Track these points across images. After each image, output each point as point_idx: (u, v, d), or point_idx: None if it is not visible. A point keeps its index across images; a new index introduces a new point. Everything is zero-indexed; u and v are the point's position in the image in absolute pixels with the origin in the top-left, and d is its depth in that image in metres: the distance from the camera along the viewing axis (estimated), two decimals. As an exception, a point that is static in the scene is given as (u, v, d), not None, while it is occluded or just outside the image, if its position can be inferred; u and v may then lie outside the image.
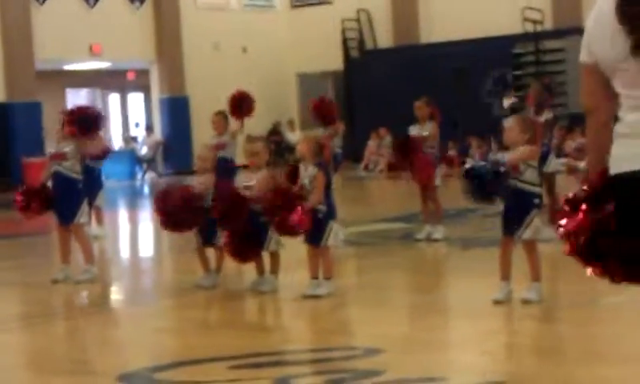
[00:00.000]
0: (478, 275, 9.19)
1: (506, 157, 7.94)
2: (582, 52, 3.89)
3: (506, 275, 8.02)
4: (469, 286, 9.02)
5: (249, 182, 9.07)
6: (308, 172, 8.67)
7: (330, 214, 8.76)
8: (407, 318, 8.29)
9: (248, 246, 8.87)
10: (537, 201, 7.97)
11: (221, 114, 13.49)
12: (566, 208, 3.72)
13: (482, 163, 8.19)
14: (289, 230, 8.50)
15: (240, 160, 11.97)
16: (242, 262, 9.15)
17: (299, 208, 8.35)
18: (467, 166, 8.28)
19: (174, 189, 9.51)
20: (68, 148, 10.22)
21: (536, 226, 7.91)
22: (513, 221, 7.91)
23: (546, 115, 11.62)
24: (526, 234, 7.88)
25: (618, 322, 7.50)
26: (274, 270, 9.13)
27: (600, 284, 8.91)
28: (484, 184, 7.88)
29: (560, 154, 23.11)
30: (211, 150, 10.19)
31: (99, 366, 7.15)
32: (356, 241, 12.83)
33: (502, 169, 7.86)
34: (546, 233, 11.32)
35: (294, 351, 7.21)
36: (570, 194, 3.76)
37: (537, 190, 7.97)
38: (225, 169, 11.92)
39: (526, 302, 7.89)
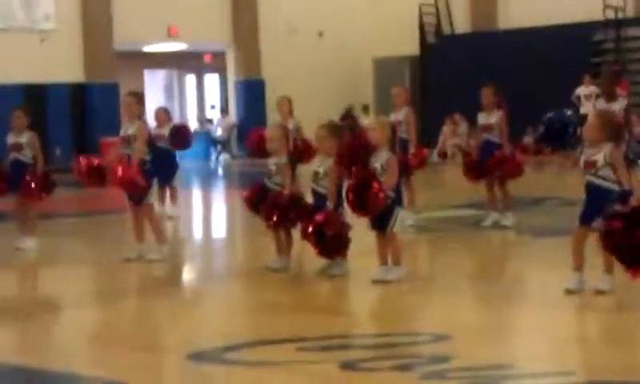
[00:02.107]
0: (549, 264, 9.10)
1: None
2: None
3: (578, 266, 7.94)
4: (539, 275, 8.93)
5: (318, 167, 9.12)
6: (380, 157, 8.66)
7: (398, 200, 8.75)
8: (476, 305, 8.24)
9: (332, 245, 8.87)
10: (612, 196, 7.85)
11: (285, 98, 13.49)
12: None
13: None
14: (364, 207, 8.47)
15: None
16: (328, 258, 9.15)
17: (376, 185, 8.37)
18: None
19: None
20: (131, 130, 10.34)
21: None
22: (589, 213, 7.83)
23: (620, 103, 11.42)
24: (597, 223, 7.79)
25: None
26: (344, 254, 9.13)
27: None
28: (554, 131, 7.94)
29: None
30: (280, 128, 10.11)
31: (169, 343, 7.25)
32: (427, 227, 12.78)
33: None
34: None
35: (362, 335, 7.22)
36: None
37: (613, 186, 7.82)
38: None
39: (598, 292, 7.80)
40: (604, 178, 7.83)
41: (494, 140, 11.83)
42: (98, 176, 10.38)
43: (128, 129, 10.42)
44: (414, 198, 12.49)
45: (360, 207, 8.48)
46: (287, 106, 13.29)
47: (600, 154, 7.81)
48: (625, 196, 7.68)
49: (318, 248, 8.83)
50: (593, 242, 8.01)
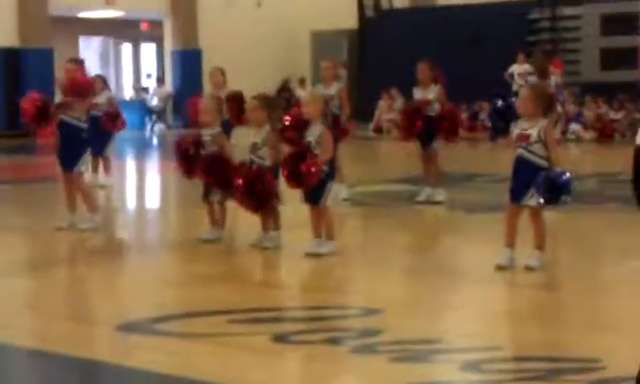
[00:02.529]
0: (481, 240, 9.20)
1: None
2: None
3: (510, 242, 8.04)
4: (471, 250, 9.03)
5: (254, 138, 9.11)
6: (314, 131, 8.67)
7: (331, 174, 8.78)
8: (407, 279, 8.31)
9: (256, 198, 8.88)
10: (541, 174, 7.94)
11: (217, 69, 13.43)
12: None
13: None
14: (300, 180, 8.49)
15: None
16: (251, 212, 9.15)
17: (310, 159, 8.38)
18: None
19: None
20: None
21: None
22: (519, 188, 7.93)
23: (554, 81, 11.56)
24: (531, 200, 7.89)
25: (617, 291, 7.54)
26: (277, 226, 9.16)
27: (601, 254, 8.98)
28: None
29: (572, 121, 23.07)
30: (213, 99, 10.09)
31: (100, 314, 7.21)
32: (361, 201, 12.84)
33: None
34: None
35: (294, 308, 7.25)
36: None
37: (543, 163, 7.92)
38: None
39: (528, 268, 7.91)
40: (534, 153, 7.92)
41: (431, 115, 11.88)
42: (44, 116, 10.29)
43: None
44: (342, 171, 12.49)
45: (294, 180, 8.49)
46: (219, 76, 13.22)
47: (535, 129, 7.90)
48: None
49: (244, 199, 8.84)
50: (524, 218, 8.13)
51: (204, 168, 9.25)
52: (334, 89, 12.31)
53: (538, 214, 8.01)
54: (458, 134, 12.08)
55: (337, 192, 8.92)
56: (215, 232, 9.53)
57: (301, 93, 30.28)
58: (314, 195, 8.70)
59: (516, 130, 8.01)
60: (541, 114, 7.99)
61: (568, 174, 7.79)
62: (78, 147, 10.29)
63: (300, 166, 8.38)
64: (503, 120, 8.24)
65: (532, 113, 7.96)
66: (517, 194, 7.97)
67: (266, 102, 9.32)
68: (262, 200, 8.83)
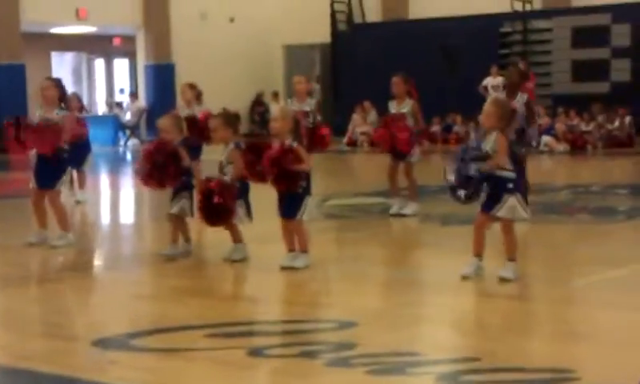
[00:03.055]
0: (456, 252, 9.22)
1: (486, 165, 7.95)
2: None
3: (478, 252, 8.12)
4: (445, 262, 9.06)
5: (221, 156, 9.11)
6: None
7: (308, 189, 8.80)
8: (382, 292, 8.33)
9: (215, 212, 8.89)
10: (510, 185, 8.01)
11: (189, 85, 13.47)
12: None
13: (461, 170, 8.16)
14: (214, 215, 8.67)
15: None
16: (210, 226, 9.18)
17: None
18: (450, 181, 8.27)
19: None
20: (56, 115, 10.20)
21: (511, 206, 7.98)
22: (489, 200, 8.00)
23: (520, 99, 11.65)
24: (502, 212, 7.96)
25: (589, 301, 7.59)
26: (238, 238, 9.18)
27: (573, 265, 9.05)
28: (470, 193, 8.02)
29: (544, 134, 23.22)
30: (171, 118, 10.09)
31: (75, 330, 7.18)
32: (335, 214, 12.88)
33: (478, 170, 7.95)
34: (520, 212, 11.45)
35: (269, 322, 7.24)
36: None
37: (510, 175, 8.01)
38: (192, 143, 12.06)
39: (502, 280, 7.96)
40: (503, 168, 7.98)
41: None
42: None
43: (46, 112, 10.26)
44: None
45: (208, 215, 8.69)
46: (188, 93, 13.25)
47: (489, 144, 7.98)
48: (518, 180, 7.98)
49: (203, 213, 8.87)
50: (497, 230, 8.19)
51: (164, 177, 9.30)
52: (307, 105, 12.37)
53: (509, 225, 8.08)
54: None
55: (311, 207, 8.93)
56: (174, 247, 9.53)
57: (274, 107, 30.37)
58: (290, 209, 8.71)
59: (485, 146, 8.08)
60: (503, 128, 8.07)
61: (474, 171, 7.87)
62: (58, 167, 10.24)
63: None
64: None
65: (495, 127, 8.04)
66: (486, 206, 8.04)
67: (228, 119, 9.30)
68: (218, 215, 8.84)
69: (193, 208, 9.42)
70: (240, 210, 9.00)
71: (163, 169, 9.26)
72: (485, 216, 8.10)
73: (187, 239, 9.61)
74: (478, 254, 8.14)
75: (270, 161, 8.54)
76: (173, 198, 9.46)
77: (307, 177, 8.77)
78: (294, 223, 8.78)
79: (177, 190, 9.42)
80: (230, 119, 9.32)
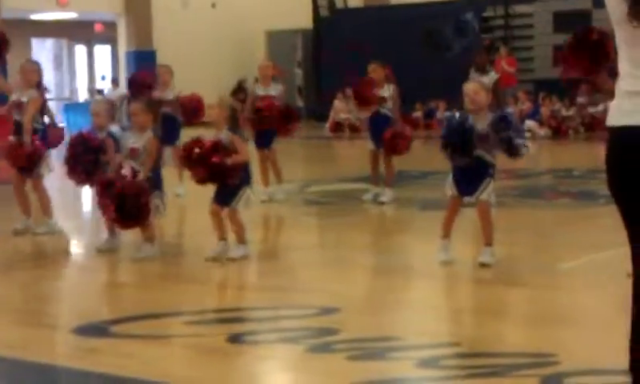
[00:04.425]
0: (436, 237, 9.23)
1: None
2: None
3: (448, 234, 8.14)
4: (426, 247, 9.04)
5: (135, 143, 8.90)
6: (221, 137, 8.53)
7: (246, 179, 8.61)
8: (364, 278, 8.32)
9: (127, 218, 8.70)
10: (491, 171, 8.06)
11: (166, 66, 13.46)
12: None
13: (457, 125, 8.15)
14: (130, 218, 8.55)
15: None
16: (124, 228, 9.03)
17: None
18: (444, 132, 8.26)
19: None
20: (26, 97, 10.14)
21: (490, 190, 8.02)
22: (468, 186, 8.00)
23: (491, 77, 11.66)
24: (484, 195, 7.98)
25: (571, 286, 7.60)
26: (150, 238, 8.94)
27: (555, 249, 9.07)
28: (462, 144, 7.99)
29: (527, 118, 23.27)
30: (104, 103, 10.02)
31: (55, 318, 7.15)
32: (317, 200, 12.87)
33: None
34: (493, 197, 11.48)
35: (250, 308, 7.23)
36: None
37: (493, 160, 8.05)
38: (170, 126, 12.06)
39: (482, 265, 7.97)
40: (487, 152, 7.99)
41: (385, 112, 11.94)
42: None
43: (22, 96, 10.20)
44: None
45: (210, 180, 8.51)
46: (167, 75, 13.25)
47: (481, 124, 7.97)
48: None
49: (118, 217, 8.64)
50: (475, 216, 8.20)
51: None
52: (273, 89, 12.34)
53: (488, 210, 8.08)
54: (409, 150, 12.09)
55: (249, 197, 8.71)
56: (110, 241, 9.34)
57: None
58: (225, 196, 8.59)
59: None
60: (487, 109, 8.07)
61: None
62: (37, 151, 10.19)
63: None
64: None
65: (484, 106, 8.03)
66: (467, 190, 8.04)
67: (149, 105, 9.16)
68: (133, 218, 8.67)
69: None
70: (158, 202, 8.85)
71: (83, 161, 9.16)
72: (459, 200, 8.12)
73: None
74: (447, 236, 8.19)
75: (195, 160, 8.39)
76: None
77: (245, 167, 8.61)
78: (228, 211, 8.63)
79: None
80: (151, 105, 9.18)
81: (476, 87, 8.15)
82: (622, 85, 3.68)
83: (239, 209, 8.63)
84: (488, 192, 8.02)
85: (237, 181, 8.49)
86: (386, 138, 11.77)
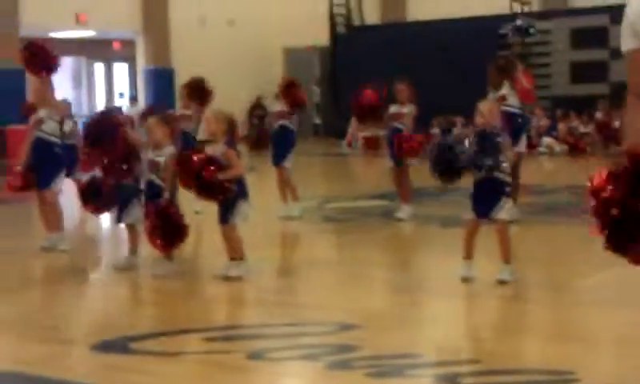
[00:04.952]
0: (456, 254, 9.21)
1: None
2: (626, 40, 3.79)
3: (470, 254, 8.14)
4: (446, 264, 9.05)
5: (157, 157, 8.88)
6: (217, 151, 8.54)
7: (241, 192, 8.56)
8: (383, 294, 8.33)
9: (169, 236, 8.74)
10: (508, 189, 8.10)
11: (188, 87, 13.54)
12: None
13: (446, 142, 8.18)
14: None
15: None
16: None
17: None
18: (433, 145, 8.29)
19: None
20: (42, 112, 10.24)
21: (508, 208, 8.04)
22: (483, 206, 8.01)
23: (511, 94, 11.67)
24: (502, 214, 7.98)
25: (589, 302, 7.58)
26: (168, 256, 8.96)
27: (572, 266, 9.03)
28: (442, 164, 7.99)
29: (544, 134, 23.23)
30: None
31: (73, 334, 7.17)
32: (335, 217, 12.88)
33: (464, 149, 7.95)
34: (512, 213, 11.48)
35: (269, 325, 7.23)
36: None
37: (508, 179, 8.07)
38: (189, 143, 12.09)
39: (501, 282, 7.96)
40: (503, 172, 8.01)
41: (401, 127, 12.00)
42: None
43: (39, 114, 10.32)
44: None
45: (203, 195, 8.49)
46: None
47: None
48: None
49: (160, 240, 8.65)
50: (486, 233, 8.19)
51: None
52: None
53: (506, 228, 8.09)
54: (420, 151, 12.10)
55: (245, 211, 8.69)
56: (129, 259, 9.37)
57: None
58: (222, 214, 8.59)
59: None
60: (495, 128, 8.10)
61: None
62: (53, 164, 10.26)
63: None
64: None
65: (495, 125, 8.07)
66: (482, 211, 8.05)
67: (164, 119, 9.15)
68: (174, 236, 8.72)
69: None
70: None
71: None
72: (477, 222, 8.12)
73: (133, 250, 9.41)
74: (469, 257, 8.19)
75: (188, 174, 8.40)
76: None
77: (240, 181, 8.58)
78: (225, 228, 8.62)
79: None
80: (166, 119, 9.19)
81: (492, 107, 8.19)
82: None
83: (236, 223, 8.59)
84: (506, 210, 8.03)
85: (227, 196, 8.43)
86: (395, 143, 11.82)
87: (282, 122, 12.64)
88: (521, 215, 11.34)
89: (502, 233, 8.08)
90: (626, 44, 3.80)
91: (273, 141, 12.73)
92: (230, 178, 8.40)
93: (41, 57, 10.35)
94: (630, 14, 3.78)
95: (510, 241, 8.14)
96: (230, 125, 8.73)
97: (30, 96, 11.82)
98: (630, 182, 3.45)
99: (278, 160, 12.58)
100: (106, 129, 9.29)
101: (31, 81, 12.00)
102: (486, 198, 8.03)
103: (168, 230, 8.62)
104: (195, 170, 8.33)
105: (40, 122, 10.25)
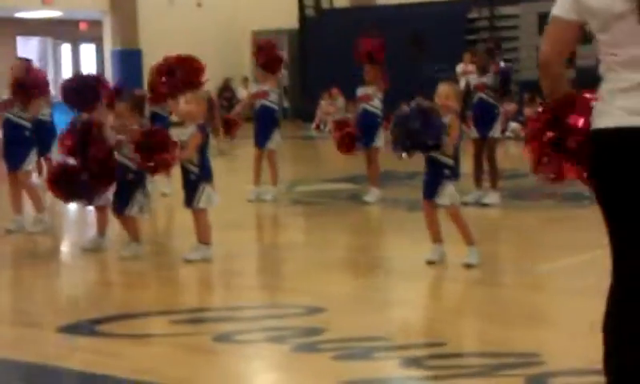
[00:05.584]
0: (422, 237, 9.25)
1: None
2: (561, 7, 3.84)
3: (436, 238, 8.14)
4: (412, 247, 9.07)
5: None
6: (188, 130, 8.54)
7: (204, 176, 8.55)
8: (350, 277, 8.34)
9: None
10: (447, 172, 8.00)
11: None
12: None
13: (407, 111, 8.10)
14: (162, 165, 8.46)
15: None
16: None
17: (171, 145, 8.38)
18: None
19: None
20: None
21: (450, 193, 7.98)
22: (430, 187, 8.03)
23: (491, 79, 11.73)
24: (442, 199, 7.98)
25: (555, 286, 7.65)
26: (135, 237, 8.95)
27: (539, 250, 9.10)
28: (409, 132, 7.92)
29: (511, 120, 23.35)
30: None
31: (41, 317, 7.14)
32: (303, 200, 12.88)
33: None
34: (490, 197, 11.52)
35: (235, 308, 7.23)
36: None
37: (449, 161, 8.00)
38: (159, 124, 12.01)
39: (467, 266, 7.99)
40: (442, 154, 7.98)
41: (373, 110, 12.01)
42: None
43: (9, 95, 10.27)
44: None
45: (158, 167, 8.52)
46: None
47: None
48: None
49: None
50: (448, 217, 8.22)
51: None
52: (268, 85, 12.44)
53: (454, 212, 8.08)
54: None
55: (210, 194, 8.66)
56: (97, 240, 9.34)
57: (243, 93, 30.28)
58: (187, 197, 8.59)
59: None
60: (456, 111, 8.09)
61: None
62: (23, 146, 10.20)
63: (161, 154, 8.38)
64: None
65: (452, 109, 8.05)
66: (427, 193, 8.06)
67: (134, 102, 9.09)
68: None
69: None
70: (136, 204, 8.84)
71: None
72: (429, 203, 8.12)
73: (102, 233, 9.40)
74: (437, 240, 8.18)
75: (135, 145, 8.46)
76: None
77: (205, 164, 8.56)
78: (193, 213, 8.62)
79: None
80: (136, 102, 9.10)
81: (448, 92, 8.15)
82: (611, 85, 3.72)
83: (203, 207, 8.57)
84: (448, 195, 8.00)
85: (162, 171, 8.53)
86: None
87: (262, 101, 12.51)
88: (499, 200, 11.42)
89: (453, 217, 8.08)
90: (562, 10, 3.84)
91: (255, 121, 12.59)
92: (184, 156, 8.41)
93: None
94: None
95: (465, 223, 8.09)
96: (210, 104, 8.72)
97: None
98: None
99: (262, 141, 12.46)
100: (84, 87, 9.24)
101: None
102: (429, 181, 8.05)
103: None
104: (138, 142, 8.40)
105: (9, 104, 10.19)
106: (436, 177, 7.99)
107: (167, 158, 8.35)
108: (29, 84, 10.24)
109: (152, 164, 8.44)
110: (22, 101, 10.15)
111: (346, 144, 11.96)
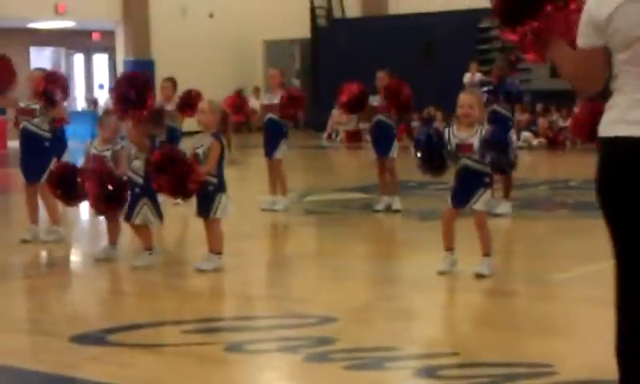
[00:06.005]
0: (435, 247, 9.24)
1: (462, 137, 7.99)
2: (583, 38, 3.82)
3: (449, 245, 8.14)
4: (425, 257, 9.06)
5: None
6: (204, 141, 8.53)
7: (221, 186, 8.53)
8: (362, 287, 8.32)
9: (108, 205, 8.91)
10: (487, 180, 8.07)
11: (170, 80, 13.48)
12: None
13: (428, 134, 8.18)
14: (182, 190, 8.37)
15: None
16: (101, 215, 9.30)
17: (193, 168, 8.29)
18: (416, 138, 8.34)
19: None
20: (36, 105, 10.18)
21: (486, 199, 8.03)
22: (462, 196, 8.02)
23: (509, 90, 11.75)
24: (479, 205, 7.98)
25: (568, 296, 7.62)
26: (147, 245, 8.94)
27: (551, 260, 9.07)
28: (432, 155, 8.02)
29: (524, 129, 23.32)
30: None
31: (52, 326, 7.14)
32: (315, 210, 12.88)
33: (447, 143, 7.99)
34: (502, 207, 11.50)
35: (248, 317, 7.23)
36: None
37: (487, 169, 8.03)
38: (170, 136, 12.03)
39: (478, 276, 7.97)
40: (478, 162, 8.00)
41: (386, 121, 12.04)
42: None
43: (30, 104, 10.25)
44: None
45: (177, 191, 8.41)
46: (170, 89, 13.28)
47: (475, 137, 7.98)
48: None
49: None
50: (467, 226, 8.19)
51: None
52: (277, 98, 12.46)
53: (483, 220, 8.09)
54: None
55: (226, 204, 8.64)
56: (109, 250, 9.35)
57: (255, 102, 30.30)
58: (201, 208, 8.56)
59: (454, 139, 8.04)
60: (479, 121, 8.11)
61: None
62: (42, 157, 10.20)
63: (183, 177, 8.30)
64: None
65: (477, 119, 8.05)
66: (461, 201, 8.05)
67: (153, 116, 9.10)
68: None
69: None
70: (141, 215, 8.84)
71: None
72: (454, 211, 8.12)
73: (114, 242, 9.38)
74: (450, 248, 8.18)
75: (155, 168, 8.35)
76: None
77: (219, 174, 8.52)
78: (207, 223, 8.59)
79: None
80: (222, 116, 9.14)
81: (472, 101, 8.14)
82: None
83: (219, 217, 8.56)
84: (483, 201, 8.03)
85: (196, 189, 8.38)
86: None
87: (270, 114, 12.56)
88: (511, 210, 11.40)
89: (480, 224, 8.08)
90: (585, 40, 3.82)
91: (264, 133, 12.67)
92: (207, 171, 8.38)
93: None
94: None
95: (489, 232, 8.13)
96: (224, 115, 8.74)
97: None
98: None
99: (270, 152, 12.51)
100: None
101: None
102: (464, 188, 8.04)
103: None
104: (160, 165, 8.29)
105: (30, 112, 10.20)
106: (474, 185, 8.00)
107: (194, 188, 8.34)
108: (53, 87, 10.19)
109: (182, 195, 8.46)
110: (49, 104, 10.14)
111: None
